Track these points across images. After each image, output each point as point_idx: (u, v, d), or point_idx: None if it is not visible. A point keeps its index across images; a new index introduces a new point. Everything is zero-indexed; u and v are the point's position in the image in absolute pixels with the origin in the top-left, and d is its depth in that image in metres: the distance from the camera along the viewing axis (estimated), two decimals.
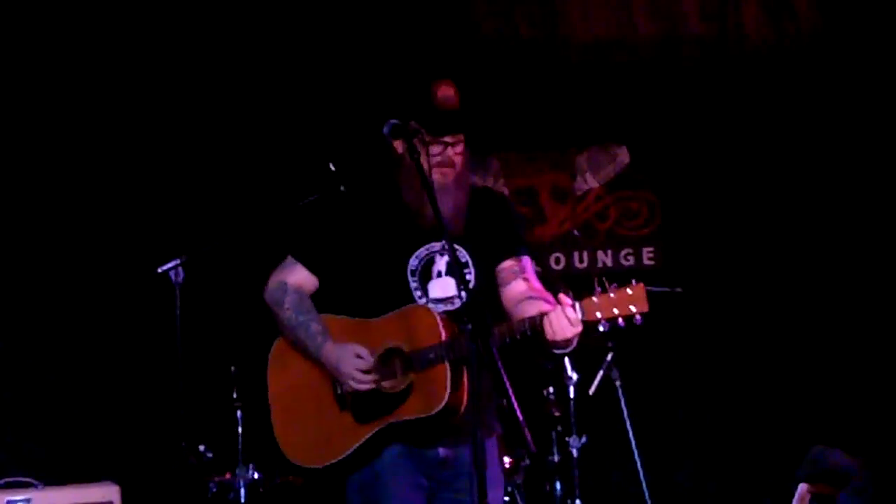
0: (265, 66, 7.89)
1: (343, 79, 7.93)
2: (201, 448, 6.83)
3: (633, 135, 8.30)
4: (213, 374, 6.91)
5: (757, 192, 8.10)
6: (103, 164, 7.65)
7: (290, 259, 4.53)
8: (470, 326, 3.93)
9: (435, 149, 4.35)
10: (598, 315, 4.02)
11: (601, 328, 4.05)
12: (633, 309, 3.99)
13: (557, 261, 8.28)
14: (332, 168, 5.53)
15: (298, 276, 4.49)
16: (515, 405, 3.90)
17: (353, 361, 4.30)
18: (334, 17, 7.96)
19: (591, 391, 7.01)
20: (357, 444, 4.31)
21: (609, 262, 8.25)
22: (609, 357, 6.99)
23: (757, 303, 7.97)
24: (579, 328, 4.06)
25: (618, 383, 6.97)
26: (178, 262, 6.01)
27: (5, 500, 5.21)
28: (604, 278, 4.05)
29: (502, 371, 3.86)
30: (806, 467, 6.56)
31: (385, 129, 4.28)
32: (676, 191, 8.24)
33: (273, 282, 4.51)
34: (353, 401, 4.35)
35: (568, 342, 4.12)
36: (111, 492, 5.37)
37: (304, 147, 7.71)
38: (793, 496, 6.51)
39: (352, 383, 4.31)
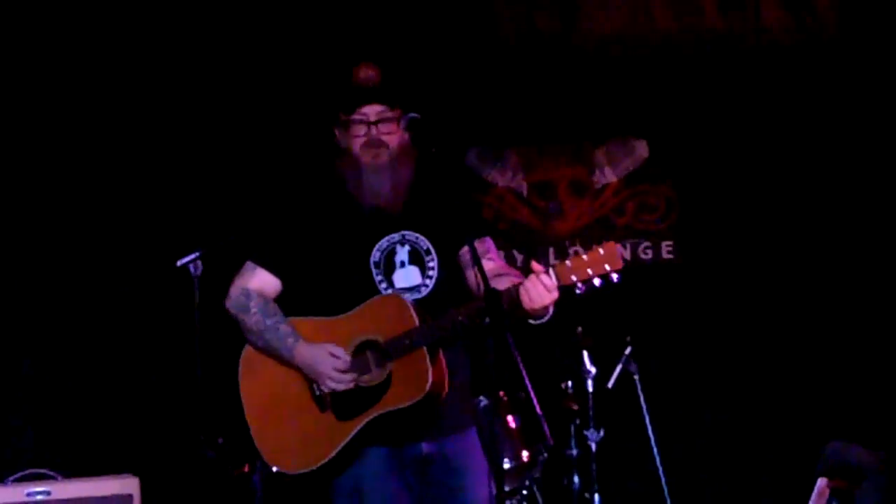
0: (283, 61, 7.89)
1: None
2: (220, 440, 6.84)
3: (652, 129, 8.28)
4: (231, 366, 6.90)
5: (776, 185, 8.08)
6: (123, 158, 7.66)
7: (249, 264, 4.48)
8: (487, 320, 3.98)
9: (359, 129, 4.36)
10: (574, 278, 4.02)
11: (578, 291, 4.04)
12: (607, 267, 3.99)
13: (576, 254, 8.24)
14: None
15: (260, 281, 4.44)
16: (534, 399, 3.91)
17: (330, 361, 4.26)
18: (353, 13, 7.96)
19: (609, 385, 7.01)
20: (344, 442, 4.27)
21: (627, 256, 8.22)
22: (627, 351, 6.99)
23: (777, 297, 7.95)
24: (556, 294, 4.04)
25: (636, 377, 6.98)
26: (196, 255, 6.02)
27: (25, 492, 5.22)
28: (576, 246, 4.08)
29: (521, 364, 3.86)
30: (825, 462, 6.53)
31: (402, 124, 4.29)
32: (695, 185, 8.22)
33: (235, 289, 4.47)
34: (334, 400, 4.30)
35: (545, 310, 4.09)
36: (130, 484, 5.36)
37: (322, 140, 7.70)
38: (811, 491, 6.49)
39: (330, 383, 4.26)
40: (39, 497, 5.21)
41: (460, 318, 4.14)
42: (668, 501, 6.93)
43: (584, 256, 4.02)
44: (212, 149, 7.78)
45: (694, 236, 8.21)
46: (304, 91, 7.71)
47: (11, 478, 5.62)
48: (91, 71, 7.61)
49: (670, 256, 8.24)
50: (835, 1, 8.19)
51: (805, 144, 8.06)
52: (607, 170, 8.33)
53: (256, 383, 4.48)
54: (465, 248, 4.35)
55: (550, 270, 4.04)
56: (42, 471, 5.69)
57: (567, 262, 4.04)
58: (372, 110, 4.35)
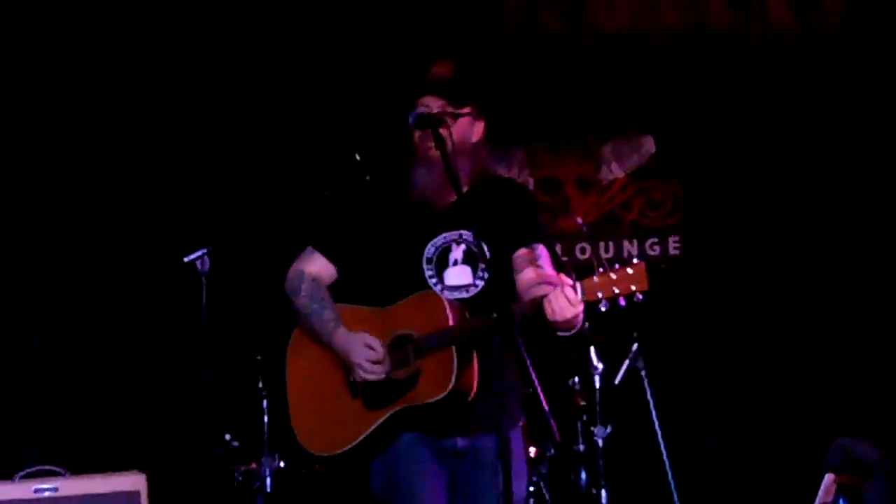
0: (290, 57, 7.89)
1: (367, 70, 7.93)
2: (227, 437, 6.86)
3: (659, 124, 8.28)
4: (238, 363, 6.93)
5: (782, 181, 8.08)
6: (131, 154, 7.68)
7: (309, 249, 4.56)
8: (495, 315, 3.98)
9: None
10: (599, 295, 3.98)
11: (602, 308, 4.00)
12: (633, 288, 3.95)
13: (583, 250, 8.27)
14: (358, 158, 5.54)
15: (317, 266, 4.52)
16: (541, 395, 3.88)
17: (363, 351, 4.32)
18: (361, 6, 7.95)
19: (616, 381, 7.01)
20: (367, 432, 4.32)
21: (634, 252, 8.23)
22: (634, 347, 6.98)
23: (783, 293, 7.95)
24: (580, 308, 4.02)
25: (643, 373, 6.97)
26: (204, 251, 6.01)
27: (33, 489, 5.23)
28: (604, 261, 4.01)
29: (528, 361, 3.85)
30: (832, 458, 6.53)
31: (410, 120, 4.31)
32: (702, 180, 8.22)
33: (292, 271, 4.55)
34: (365, 388, 4.36)
35: (570, 323, 4.08)
36: (137, 481, 5.37)
37: (330, 137, 7.72)
38: (819, 487, 6.48)
39: (361, 373, 4.32)
40: (47, 493, 5.21)
41: (483, 326, 4.13)
42: (676, 497, 6.92)
43: (612, 275, 3.96)
44: (221, 145, 7.79)
45: (701, 232, 8.21)
46: (325, 85, 7.74)
47: (19, 474, 5.61)
48: (100, 67, 7.62)
49: (677, 252, 8.24)
50: None
51: (811, 140, 8.05)
52: (614, 165, 8.33)
53: (300, 363, 4.55)
54: (518, 253, 4.41)
55: (577, 285, 4.01)
56: (50, 467, 5.69)
57: (594, 278, 3.99)
58: (434, 103, 4.36)
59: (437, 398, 4.18)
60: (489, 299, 4.27)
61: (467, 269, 4.39)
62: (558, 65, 8.23)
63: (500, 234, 4.38)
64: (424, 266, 4.39)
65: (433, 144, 4.23)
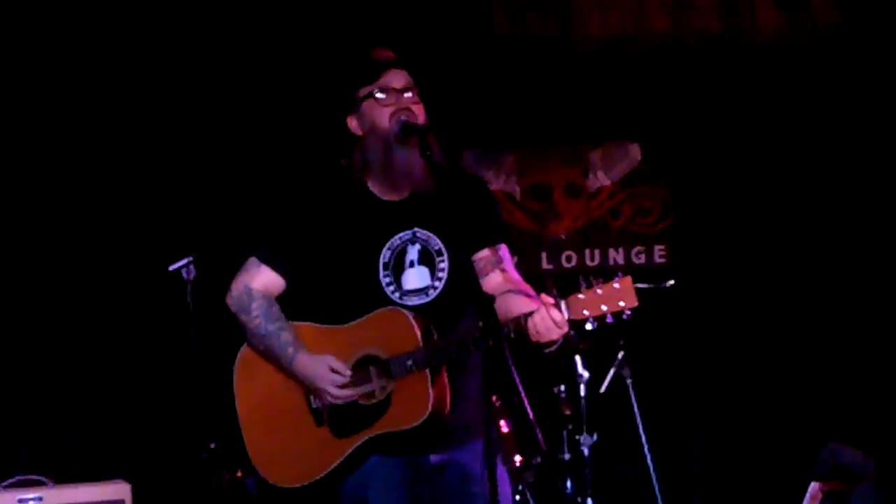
0: (276, 63, 7.87)
1: (356, 76, 7.90)
2: (213, 445, 6.84)
3: (647, 131, 8.28)
4: (225, 371, 6.90)
5: (770, 189, 8.08)
6: (115, 162, 7.65)
7: (253, 261, 4.22)
8: (481, 324, 3.75)
9: (385, 100, 4.06)
10: (586, 313, 3.81)
11: (589, 326, 3.84)
12: (621, 304, 3.79)
13: (569, 258, 8.26)
14: (344, 164, 5.50)
15: (264, 279, 4.19)
16: (526, 404, 3.81)
17: (329, 376, 4.04)
18: (348, 12, 7.94)
19: (602, 389, 7.01)
20: (338, 461, 4.10)
21: (621, 260, 8.23)
22: (620, 355, 6.99)
23: (769, 300, 7.96)
24: (566, 329, 3.84)
25: (629, 381, 6.98)
26: (189, 259, 6.02)
27: (17, 499, 5.23)
28: (590, 276, 3.82)
29: (513, 369, 3.75)
30: (819, 465, 6.54)
31: (396, 129, 4.03)
32: (689, 188, 8.22)
33: (237, 286, 4.24)
34: (331, 414, 4.13)
35: (553, 342, 3.91)
36: (122, 490, 5.38)
37: (315, 144, 7.70)
38: (804, 495, 6.50)
39: (329, 399, 4.08)
40: (32, 503, 5.21)
41: (466, 342, 3.93)
42: None
43: (599, 290, 3.78)
44: (205, 152, 7.77)
45: (687, 240, 8.21)
46: (311, 92, 7.72)
47: (3, 483, 5.62)
48: (82, 75, 7.60)
49: (663, 260, 8.24)
50: (831, 2, 8.19)
51: (800, 147, 8.07)
52: (602, 172, 8.32)
53: (252, 388, 4.28)
54: (480, 256, 4.16)
55: (562, 303, 3.82)
56: (34, 476, 5.69)
57: (580, 294, 3.81)
58: (398, 80, 4.08)
59: (415, 424, 3.99)
60: (452, 301, 4.09)
61: (425, 271, 4.13)
62: (548, 71, 8.22)
63: (462, 231, 3.97)
64: (381, 272, 4.13)
65: (419, 152, 3.96)
